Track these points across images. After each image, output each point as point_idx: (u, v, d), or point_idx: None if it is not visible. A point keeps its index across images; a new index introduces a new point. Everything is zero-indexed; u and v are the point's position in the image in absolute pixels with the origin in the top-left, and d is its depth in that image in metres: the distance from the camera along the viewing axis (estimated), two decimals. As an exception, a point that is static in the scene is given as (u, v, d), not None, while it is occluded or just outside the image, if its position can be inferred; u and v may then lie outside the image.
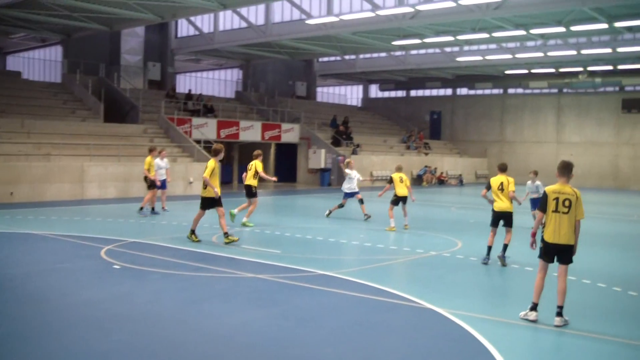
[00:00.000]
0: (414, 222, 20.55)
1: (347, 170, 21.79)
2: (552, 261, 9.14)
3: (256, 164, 19.05)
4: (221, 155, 15.61)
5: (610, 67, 45.32)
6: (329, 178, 40.71)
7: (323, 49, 42.28)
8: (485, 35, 35.38)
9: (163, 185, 22.01)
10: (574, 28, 32.35)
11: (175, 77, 48.51)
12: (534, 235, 9.55)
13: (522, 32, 34.26)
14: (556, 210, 9.01)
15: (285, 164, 43.26)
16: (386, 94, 61.57)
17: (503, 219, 13.55)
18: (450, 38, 36.59)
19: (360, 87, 63.00)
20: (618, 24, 31.48)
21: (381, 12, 31.81)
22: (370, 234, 18.05)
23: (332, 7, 36.85)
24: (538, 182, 19.50)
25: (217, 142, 33.99)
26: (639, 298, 10.92)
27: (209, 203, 15.33)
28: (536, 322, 8.92)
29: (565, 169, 9.30)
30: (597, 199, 33.92)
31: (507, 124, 53.77)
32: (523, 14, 30.89)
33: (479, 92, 55.69)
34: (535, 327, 8.84)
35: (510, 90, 53.96)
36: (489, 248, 13.60)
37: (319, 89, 58.60)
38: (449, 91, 57.65)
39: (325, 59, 51.99)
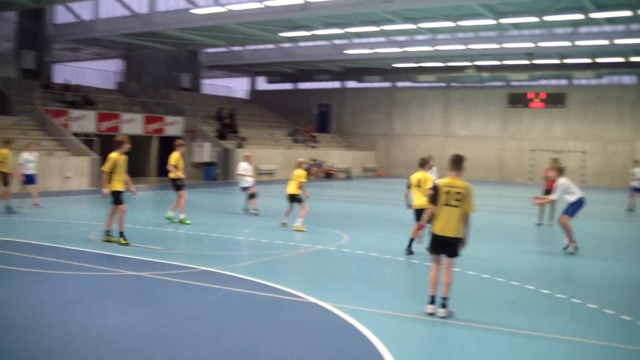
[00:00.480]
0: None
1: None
2: (439, 253, 9.17)
3: (172, 156, 18.45)
4: (125, 147, 14.37)
5: (496, 62, 46.53)
6: (213, 172, 39.74)
7: (209, 39, 41.41)
8: (374, 29, 35.44)
9: (31, 179, 20.67)
10: (461, 23, 33.03)
11: (52, 66, 46.30)
12: (421, 227, 10.04)
13: (411, 26, 34.51)
14: (447, 204, 9.00)
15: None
16: (273, 87, 61.12)
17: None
18: (339, 30, 36.48)
19: (247, 79, 62.18)
20: (504, 21, 32.33)
21: (269, 3, 31.35)
22: (255, 229, 17.70)
23: (220, -3, 35.96)
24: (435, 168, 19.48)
25: (96, 135, 32.67)
26: (521, 288, 11.16)
27: (120, 196, 14.18)
28: (424, 314, 9.01)
29: (457, 163, 9.21)
30: (483, 191, 34.35)
31: (395, 117, 54.24)
32: (412, 8, 31.08)
33: (368, 85, 56.12)
34: (419, 318, 8.93)
35: (399, 84, 54.65)
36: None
37: (204, 81, 57.34)
38: (337, 84, 57.77)
39: (211, 50, 51.05)
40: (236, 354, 7.38)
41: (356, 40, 42.03)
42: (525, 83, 49.02)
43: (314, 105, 57.64)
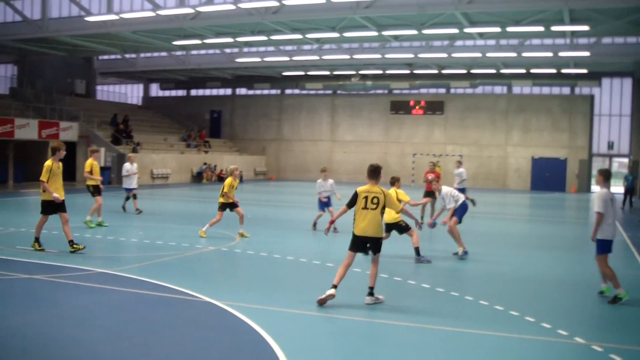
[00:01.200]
0: (193, 218, 21.08)
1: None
2: (360, 251, 10.36)
3: (86, 163, 18.72)
4: (61, 154, 14.26)
5: (380, 72, 48.60)
6: (108, 176, 40.12)
7: (103, 46, 41.32)
8: (263, 38, 36.41)
9: None
10: (346, 34, 34.33)
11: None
12: (332, 222, 10.86)
13: (298, 36, 35.65)
14: (365, 207, 10.16)
15: (64, 163, 41.96)
16: (167, 93, 61.43)
17: None
18: (230, 39, 37.30)
19: (141, 86, 62.25)
20: (386, 33, 33.86)
21: (162, 12, 31.82)
22: (149, 230, 18.06)
23: (112, 5, 35.98)
24: (331, 181, 19.91)
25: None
26: (402, 282, 11.89)
27: (50, 207, 13.96)
28: (314, 310, 9.57)
29: (374, 173, 10.45)
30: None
31: (284, 123, 55.79)
32: (299, 19, 32.18)
33: (258, 92, 57.38)
34: (308, 314, 9.38)
35: (288, 91, 56.13)
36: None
37: (99, 87, 57.19)
38: (228, 91, 58.69)
39: (106, 57, 50.82)
40: (132, 354, 7.43)
41: (246, 49, 43.10)
42: (406, 91, 51.40)
43: (206, 111, 58.53)
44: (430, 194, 22.01)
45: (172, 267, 12.94)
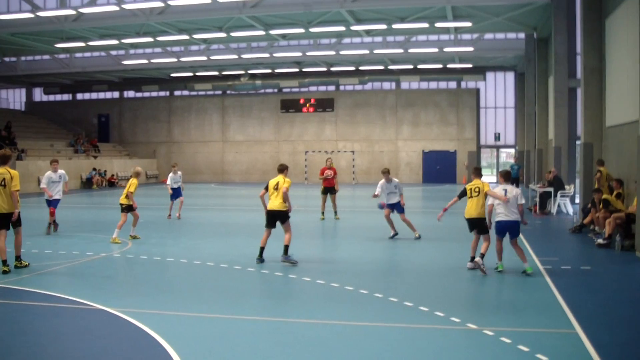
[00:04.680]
0: (84, 226, 20.71)
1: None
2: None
3: None
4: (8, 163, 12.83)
5: (269, 71, 48.70)
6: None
7: (-21, 49, 39.78)
8: (150, 39, 35.95)
9: None
10: (234, 34, 34.28)
11: None
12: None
13: (185, 37, 35.35)
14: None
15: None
16: (52, 98, 59.45)
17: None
18: (115, 41, 36.62)
19: (24, 91, 60.10)
20: (273, 32, 33.98)
21: (41, 14, 30.90)
22: (37, 240, 17.38)
23: (-14, 6, 34.87)
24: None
25: None
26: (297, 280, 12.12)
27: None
28: (205, 312, 9.60)
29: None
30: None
31: (174, 125, 55.19)
32: (186, 20, 31.97)
33: (146, 94, 56.45)
34: (201, 316, 9.43)
35: (177, 92, 55.60)
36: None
37: (-24, 92, 55.23)
38: (116, 94, 57.52)
39: (-18, 60, 48.99)
40: None
41: (132, 51, 42.40)
42: (296, 89, 51.70)
43: (94, 115, 57.17)
44: (328, 190, 22.43)
45: (62, 276, 12.63)
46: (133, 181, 17.35)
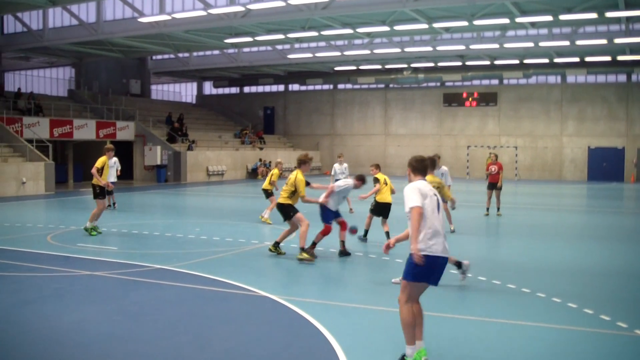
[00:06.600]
0: (249, 214, 21.29)
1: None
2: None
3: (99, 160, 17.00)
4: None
5: (431, 64, 48.34)
6: (165, 174, 40.92)
7: (156, 47, 41.93)
8: (314, 34, 36.49)
9: None
10: (397, 27, 34.15)
11: (4, 75, 46.73)
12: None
13: (349, 31, 35.57)
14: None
15: (122, 162, 42.92)
16: (220, 91, 62.04)
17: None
18: (281, 36, 37.37)
19: (195, 84, 63.14)
20: (436, 25, 33.59)
21: (213, 11, 32.12)
22: (206, 227, 18.22)
23: (165, 6, 36.45)
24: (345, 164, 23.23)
25: (49, 141, 33.55)
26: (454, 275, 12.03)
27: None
28: (365, 304, 9.60)
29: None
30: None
31: (337, 117, 55.92)
32: (349, 14, 32.16)
33: (310, 87, 57.50)
34: (366, 308, 9.43)
35: (340, 86, 56.24)
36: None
37: (153, 87, 58.28)
38: (281, 87, 59.08)
39: (159, 56, 51.61)
40: (190, 348, 7.47)
41: (297, 45, 43.33)
42: (459, 83, 50.98)
43: (260, 107, 59.01)
44: (493, 185, 22.19)
45: (229, 263, 13.03)
46: (275, 171, 19.51)
